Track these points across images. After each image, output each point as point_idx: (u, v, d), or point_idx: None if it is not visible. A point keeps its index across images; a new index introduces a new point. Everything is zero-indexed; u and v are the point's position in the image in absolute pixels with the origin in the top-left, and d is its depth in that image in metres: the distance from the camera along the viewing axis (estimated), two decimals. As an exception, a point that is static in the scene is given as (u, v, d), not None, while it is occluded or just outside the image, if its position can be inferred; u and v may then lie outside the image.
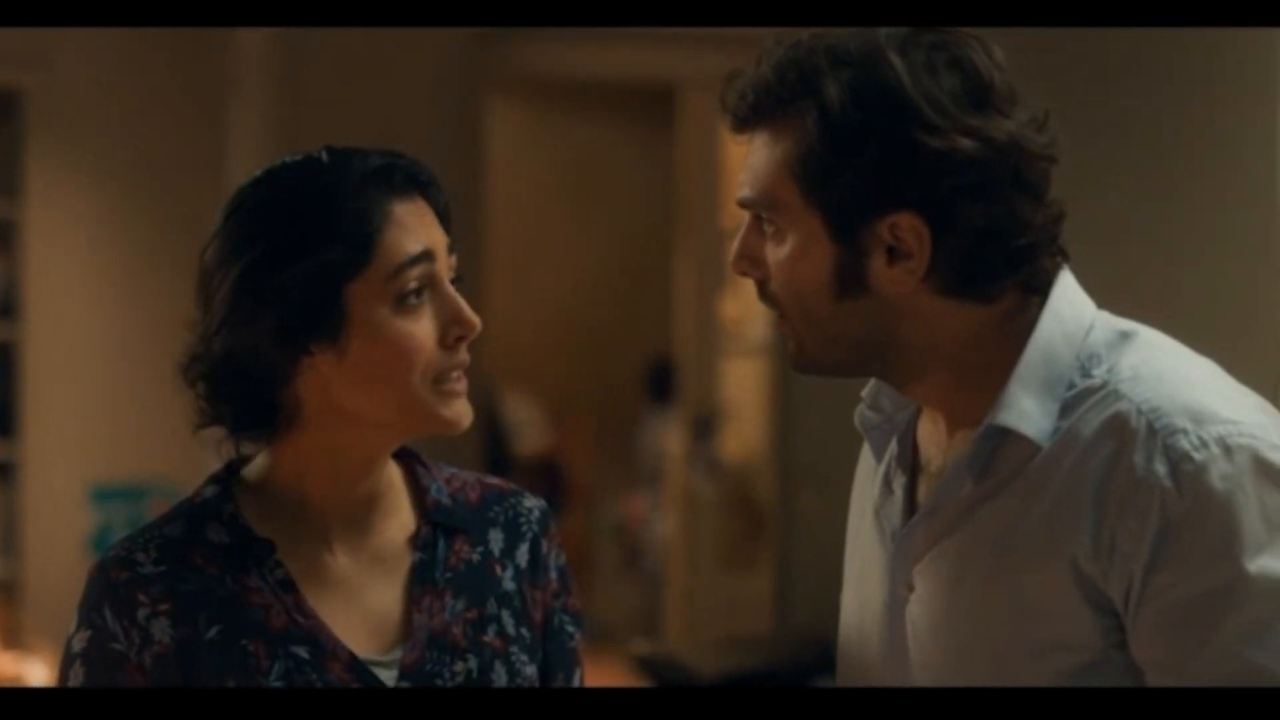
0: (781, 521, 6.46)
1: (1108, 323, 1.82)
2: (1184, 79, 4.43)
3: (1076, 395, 1.77)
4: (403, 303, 1.85)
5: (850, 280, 1.78)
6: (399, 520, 1.96)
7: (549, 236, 9.67)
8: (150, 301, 6.10)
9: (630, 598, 8.78)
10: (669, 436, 7.88)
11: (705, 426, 7.47)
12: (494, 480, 2.06)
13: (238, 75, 6.12)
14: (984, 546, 1.78)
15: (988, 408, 1.78)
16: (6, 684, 5.10)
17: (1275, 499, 1.68)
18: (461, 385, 1.89)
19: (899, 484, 1.91)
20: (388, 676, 1.89)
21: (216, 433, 1.94)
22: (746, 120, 1.82)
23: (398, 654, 1.90)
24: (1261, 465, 1.69)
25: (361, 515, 1.93)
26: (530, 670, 1.97)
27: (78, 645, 1.87)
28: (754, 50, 1.83)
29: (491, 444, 7.80)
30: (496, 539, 2.00)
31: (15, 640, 5.71)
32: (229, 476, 1.95)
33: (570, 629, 2.03)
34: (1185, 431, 1.70)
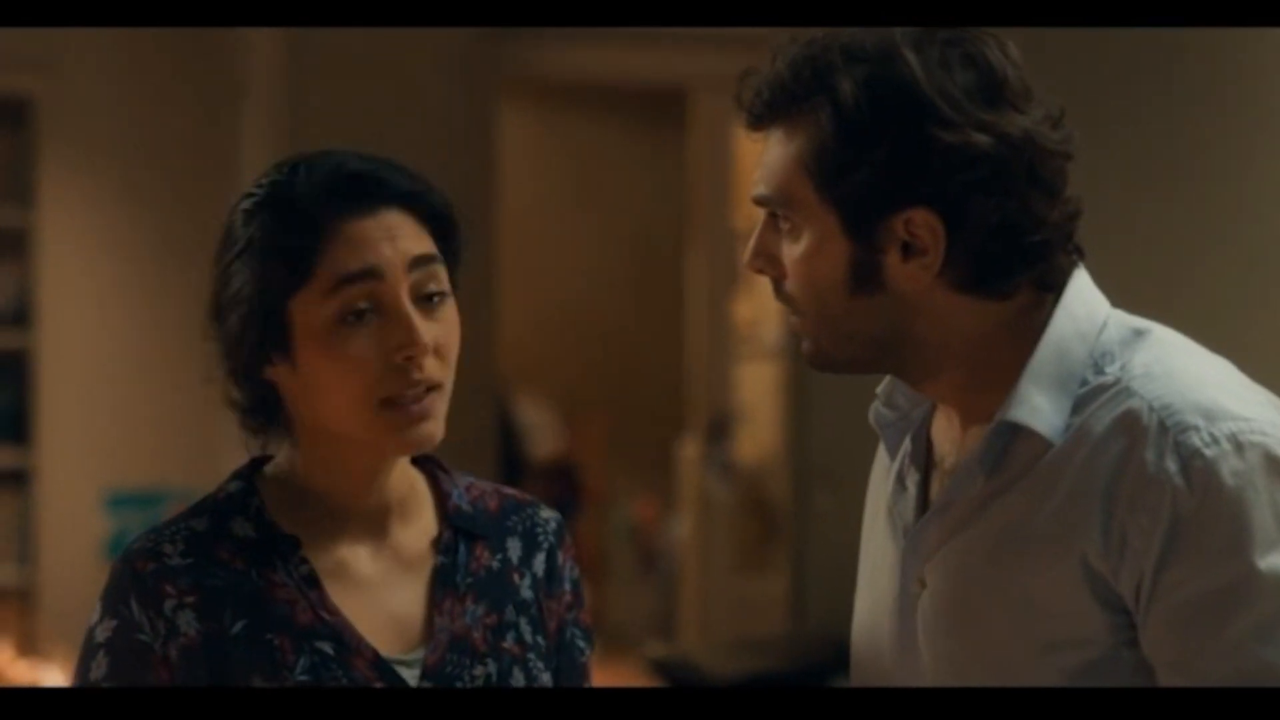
0: (796, 523, 6.45)
1: (1121, 320, 1.82)
2: (1195, 79, 4.43)
3: (1089, 392, 1.77)
4: (345, 319, 1.83)
5: (865, 277, 1.78)
6: (421, 524, 1.96)
7: (560, 239, 9.67)
8: (163, 306, 6.11)
9: (645, 600, 8.78)
10: (688, 444, 7.87)
11: (719, 429, 7.47)
12: (511, 490, 2.06)
13: (247, 79, 6.12)
14: (995, 543, 1.79)
15: (1001, 404, 1.78)
16: (22, 691, 5.10)
17: None
18: (421, 408, 1.85)
19: (912, 481, 1.91)
20: (410, 676, 1.89)
21: (238, 436, 1.95)
22: (762, 118, 1.82)
23: (420, 654, 1.90)
24: (1273, 462, 1.69)
25: (381, 517, 1.93)
26: (546, 678, 1.97)
27: (101, 635, 1.87)
28: (764, 51, 1.84)
29: (505, 447, 7.80)
30: (515, 547, 2.00)
31: (31, 647, 5.72)
32: (252, 472, 1.95)
33: (581, 644, 2.02)
34: (1197, 428, 1.70)
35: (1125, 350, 1.78)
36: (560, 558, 2.02)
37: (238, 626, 1.86)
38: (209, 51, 6.11)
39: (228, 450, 1.98)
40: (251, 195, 1.89)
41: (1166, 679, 1.71)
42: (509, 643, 1.94)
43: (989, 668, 1.78)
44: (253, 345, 1.86)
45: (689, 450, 7.73)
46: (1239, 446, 1.69)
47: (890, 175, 1.74)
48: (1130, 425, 1.72)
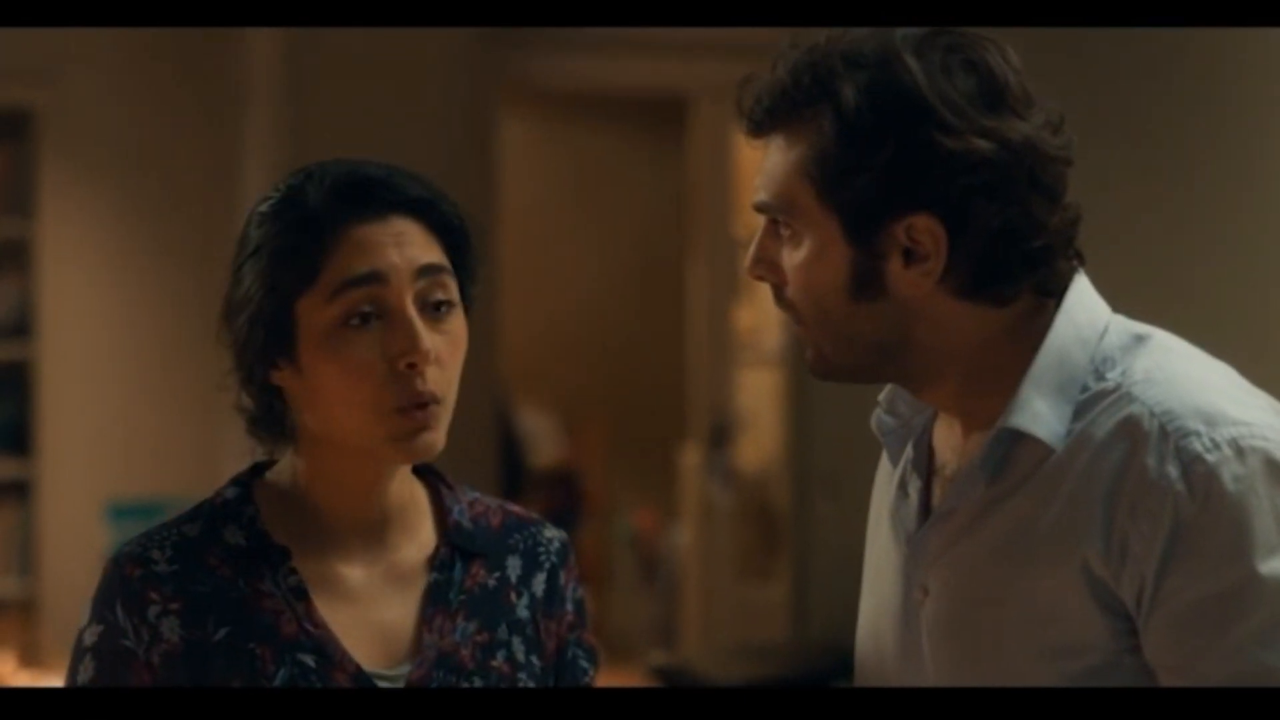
0: (798, 530, 6.46)
1: (1122, 326, 1.82)
2: (1197, 81, 4.43)
3: (1090, 398, 1.77)
4: (347, 324, 1.83)
5: (867, 282, 1.78)
6: (419, 539, 1.96)
7: (561, 247, 9.67)
8: (164, 317, 6.12)
9: (646, 607, 8.77)
10: (688, 452, 7.87)
11: (720, 436, 7.47)
12: (516, 508, 2.05)
13: (247, 87, 6.13)
14: (997, 549, 1.79)
15: (1002, 410, 1.78)
16: (25, 702, 5.09)
17: None
18: (426, 417, 1.84)
19: (914, 487, 1.91)
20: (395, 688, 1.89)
21: (239, 445, 1.95)
22: (762, 124, 1.81)
23: (404, 670, 1.90)
24: (1274, 467, 1.69)
25: (377, 530, 1.93)
26: None
27: (89, 639, 1.88)
28: (765, 59, 1.84)
29: (506, 455, 7.80)
30: (514, 566, 1.99)
31: (32, 658, 5.72)
32: (251, 478, 1.95)
33: (584, 663, 2.02)
34: (1198, 434, 1.70)
35: (1126, 356, 1.78)
36: (562, 578, 2.01)
37: (220, 634, 1.86)
38: (209, 62, 6.12)
39: (228, 460, 1.98)
40: (268, 199, 1.89)
41: (1168, 684, 1.70)
42: (498, 661, 1.94)
43: (991, 674, 1.78)
44: (259, 347, 1.86)
45: (690, 457, 7.73)
46: (1240, 451, 1.69)
47: (892, 181, 1.74)
48: (1131, 431, 1.72)
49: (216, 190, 6.08)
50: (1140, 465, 1.70)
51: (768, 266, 1.83)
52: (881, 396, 1.96)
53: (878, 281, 1.78)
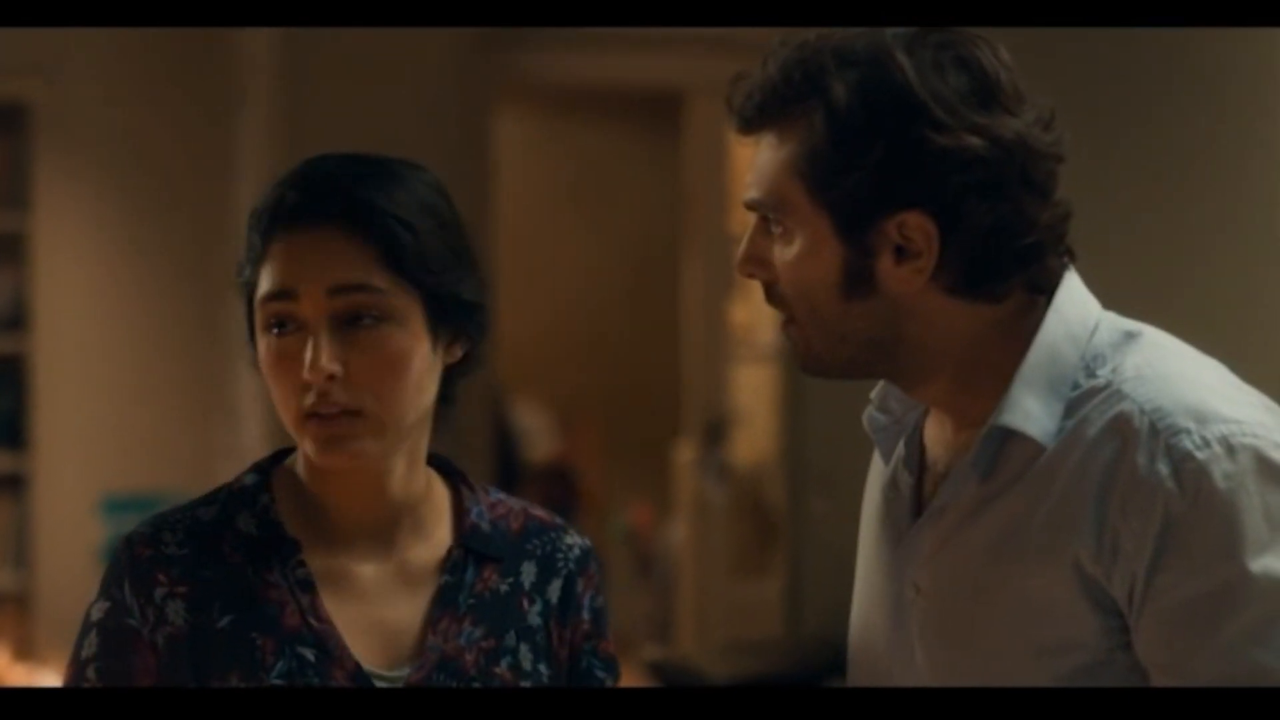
0: (792, 527, 6.46)
1: (1113, 323, 1.82)
2: (1193, 80, 4.44)
3: (1081, 396, 1.77)
4: (268, 329, 1.86)
5: (859, 280, 1.78)
6: (434, 539, 1.95)
7: (557, 243, 9.67)
8: (160, 311, 6.11)
9: (642, 603, 8.77)
10: (683, 447, 7.87)
11: (715, 433, 7.47)
12: (540, 513, 2.04)
13: (244, 85, 6.13)
14: (989, 546, 1.79)
15: (993, 408, 1.78)
16: (19, 695, 5.10)
17: (1278, 498, 1.68)
18: (336, 429, 1.83)
19: (906, 485, 1.91)
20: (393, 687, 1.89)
21: (235, 441, 1.96)
22: (753, 122, 1.82)
23: (404, 671, 1.90)
24: (1264, 465, 1.69)
25: (386, 528, 1.93)
26: None
27: (96, 614, 1.90)
28: (760, 56, 1.83)
29: (502, 451, 7.80)
30: (529, 572, 1.98)
31: (27, 652, 5.72)
32: (271, 464, 1.96)
33: (600, 674, 2.01)
34: (1188, 431, 1.70)
35: (1117, 353, 1.78)
36: (580, 585, 2.00)
37: (224, 621, 1.87)
38: (206, 57, 6.12)
39: (224, 454, 1.99)
40: None
41: (1160, 682, 1.71)
42: (502, 668, 1.93)
43: (983, 671, 1.78)
44: (247, 334, 1.91)
45: (685, 454, 7.73)
46: (1230, 449, 1.69)
47: (883, 178, 1.74)
48: (1122, 428, 1.72)
49: (212, 184, 6.08)
50: (1131, 463, 1.70)
51: (758, 264, 1.83)
52: (873, 394, 1.96)
53: (869, 279, 1.78)
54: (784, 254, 1.81)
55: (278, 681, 1.86)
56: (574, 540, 2.02)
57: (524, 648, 1.95)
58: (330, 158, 1.90)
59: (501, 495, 2.03)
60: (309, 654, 1.87)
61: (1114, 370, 1.77)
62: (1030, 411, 1.76)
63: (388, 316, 1.84)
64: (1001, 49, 1.79)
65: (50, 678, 5.13)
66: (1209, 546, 1.67)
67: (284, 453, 1.97)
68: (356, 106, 5.90)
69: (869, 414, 1.96)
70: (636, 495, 9.31)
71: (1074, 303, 1.81)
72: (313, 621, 1.88)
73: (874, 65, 1.75)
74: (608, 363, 9.73)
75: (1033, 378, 1.77)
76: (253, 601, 1.88)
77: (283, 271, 1.84)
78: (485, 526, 1.97)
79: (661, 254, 9.22)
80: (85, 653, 1.89)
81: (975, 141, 1.73)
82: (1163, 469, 1.69)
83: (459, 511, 1.97)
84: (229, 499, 1.93)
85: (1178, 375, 1.75)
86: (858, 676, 1.95)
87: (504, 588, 1.96)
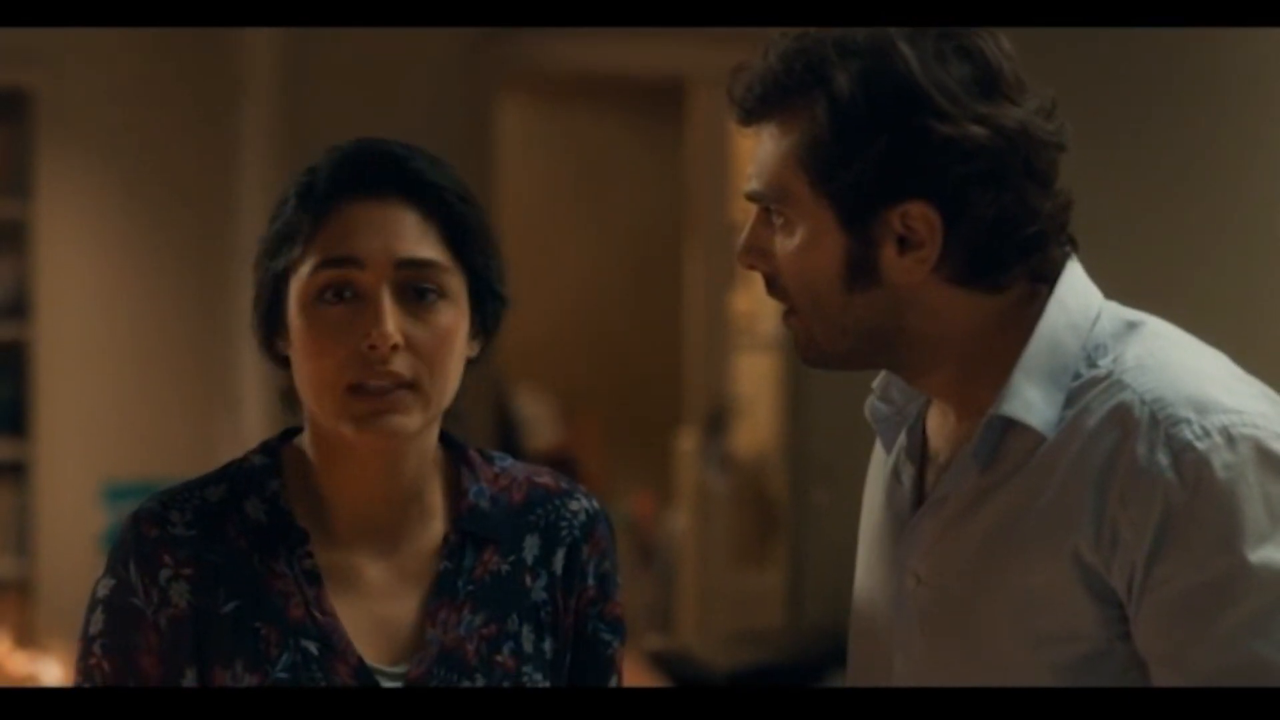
0: (794, 517, 6.46)
1: (1115, 313, 1.82)
2: (1196, 78, 4.43)
3: (1082, 385, 1.77)
4: (322, 299, 1.83)
5: (861, 271, 1.77)
6: (433, 527, 1.94)
7: (559, 232, 9.66)
8: (160, 299, 6.11)
9: (643, 593, 8.77)
10: (685, 437, 7.87)
11: (717, 422, 7.46)
12: (545, 479, 2.01)
13: (246, 73, 6.12)
14: (989, 536, 1.78)
15: (995, 398, 1.78)
16: (21, 683, 5.11)
17: (1278, 489, 1.68)
18: (388, 400, 1.83)
19: (908, 475, 1.91)
20: (392, 687, 1.88)
21: (236, 427, 1.95)
22: (754, 112, 1.81)
23: (405, 667, 1.89)
24: (1265, 455, 1.69)
25: (392, 521, 1.91)
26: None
27: (102, 591, 1.89)
28: (762, 45, 1.83)
29: (503, 440, 7.80)
30: (532, 545, 1.97)
31: (29, 639, 5.73)
32: (280, 444, 1.94)
33: (607, 637, 1.99)
34: (1188, 421, 1.70)
35: (1118, 343, 1.78)
36: (585, 552, 1.98)
37: (229, 607, 1.87)
38: (209, 46, 6.11)
39: (225, 441, 1.98)
40: (290, 177, 1.91)
41: (1158, 672, 1.70)
42: (504, 655, 1.92)
43: (983, 662, 1.78)
44: (263, 315, 1.89)
45: (687, 443, 7.73)
46: (1230, 439, 1.68)
47: (886, 168, 1.74)
48: (1122, 418, 1.72)
49: (213, 173, 6.08)
50: (1131, 453, 1.70)
51: (759, 255, 1.83)
52: (875, 384, 1.96)
53: (872, 270, 1.77)
54: (786, 245, 1.80)
55: (282, 675, 1.85)
56: (580, 504, 2.00)
57: (526, 628, 1.94)
58: (373, 139, 1.90)
59: (508, 463, 2.00)
60: (313, 647, 1.87)
61: (1115, 360, 1.77)
62: (1031, 401, 1.76)
63: (445, 293, 1.86)
64: (1003, 38, 1.79)
65: (51, 665, 5.14)
66: (1208, 537, 1.67)
67: (292, 432, 1.95)
68: (358, 96, 5.90)
69: (871, 404, 1.96)
70: (638, 485, 9.30)
71: (1076, 292, 1.81)
72: (317, 615, 1.87)
73: (876, 55, 1.75)
74: (610, 352, 9.73)
75: (1033, 367, 1.77)
76: (258, 590, 1.87)
77: (348, 239, 1.83)
78: (484, 505, 1.95)
79: (663, 243, 9.21)
80: (93, 629, 1.89)
81: (978, 131, 1.73)
82: (1163, 459, 1.69)
83: (458, 493, 1.95)
84: (237, 478, 1.92)
85: (1179, 365, 1.75)
86: (858, 666, 1.95)
87: (505, 568, 1.94)
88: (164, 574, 1.86)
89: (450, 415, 1.93)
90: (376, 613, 1.90)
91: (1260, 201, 4.25)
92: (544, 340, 9.55)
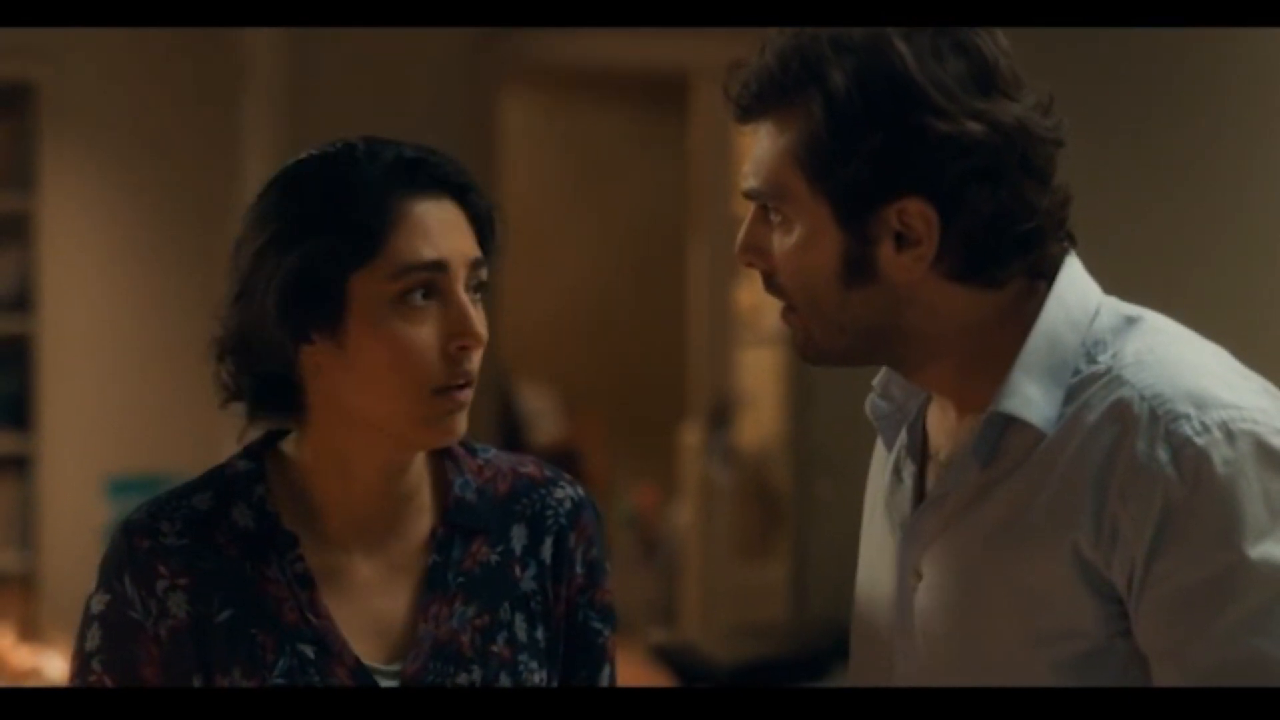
0: (798, 510, 6.47)
1: (1114, 308, 1.82)
2: (1197, 77, 4.43)
3: (1081, 381, 1.76)
4: (404, 303, 1.82)
5: (859, 268, 1.77)
6: (421, 521, 1.94)
7: (562, 227, 9.66)
8: (164, 292, 6.12)
9: (646, 587, 8.77)
10: (689, 430, 7.88)
11: (721, 416, 7.47)
12: (529, 468, 2.01)
13: (249, 67, 6.12)
14: (990, 533, 1.78)
15: (994, 394, 1.78)
16: (24, 677, 5.11)
17: (1278, 484, 1.68)
18: (464, 397, 1.85)
19: (908, 472, 1.91)
20: (389, 686, 1.88)
21: (239, 422, 1.93)
22: (751, 110, 1.81)
23: (402, 664, 1.89)
24: (1264, 450, 1.68)
25: (383, 520, 1.91)
26: (538, 678, 1.94)
27: (96, 607, 1.88)
28: (760, 42, 1.83)
29: (507, 434, 7.80)
30: (520, 535, 1.97)
31: (32, 633, 5.73)
32: (263, 450, 1.93)
33: (597, 625, 1.99)
34: (1187, 417, 1.69)
35: (1117, 338, 1.78)
36: (572, 540, 1.98)
37: (224, 615, 1.86)
38: (212, 38, 6.11)
39: (228, 435, 1.97)
40: (297, 173, 1.87)
41: (1159, 669, 1.70)
42: (499, 645, 1.92)
43: (983, 659, 1.78)
44: (296, 322, 1.83)
45: (690, 437, 7.73)
46: (1230, 435, 1.68)
47: (883, 165, 1.73)
48: (1122, 414, 1.72)
49: (216, 165, 6.08)
50: (1130, 449, 1.70)
51: (757, 253, 1.82)
52: (876, 381, 1.95)
53: (869, 267, 1.77)
54: (783, 243, 1.80)
55: (280, 680, 1.85)
56: (565, 492, 2.00)
57: (519, 618, 1.94)
58: (374, 138, 1.89)
59: (491, 454, 2.00)
60: (309, 651, 1.87)
61: (1114, 356, 1.76)
62: (1030, 398, 1.76)
63: (484, 289, 1.88)
64: (1000, 35, 1.78)
65: (55, 659, 5.14)
66: (1208, 533, 1.67)
67: (275, 435, 1.94)
68: (360, 91, 5.90)
69: (871, 401, 1.96)
70: (642, 478, 9.31)
71: (1075, 288, 1.80)
72: (311, 618, 1.87)
73: (872, 52, 1.75)
74: (613, 346, 9.73)
75: (1033, 364, 1.77)
76: (251, 596, 1.87)
77: (431, 241, 1.83)
78: (470, 497, 1.95)
79: (667, 237, 9.21)
80: (89, 646, 1.88)
81: (975, 127, 1.73)
82: (1162, 455, 1.69)
83: (444, 486, 1.95)
84: (223, 486, 1.91)
85: (1178, 360, 1.75)
86: (859, 663, 1.95)
87: (494, 558, 1.94)
88: (160, 584, 1.86)
89: None
90: (369, 611, 1.90)
91: (1260, 200, 4.25)
92: (548, 335, 9.56)
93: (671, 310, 8.96)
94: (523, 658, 1.93)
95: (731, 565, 7.42)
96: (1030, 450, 1.76)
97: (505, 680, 1.92)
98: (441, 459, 1.96)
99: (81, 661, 1.89)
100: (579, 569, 1.98)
